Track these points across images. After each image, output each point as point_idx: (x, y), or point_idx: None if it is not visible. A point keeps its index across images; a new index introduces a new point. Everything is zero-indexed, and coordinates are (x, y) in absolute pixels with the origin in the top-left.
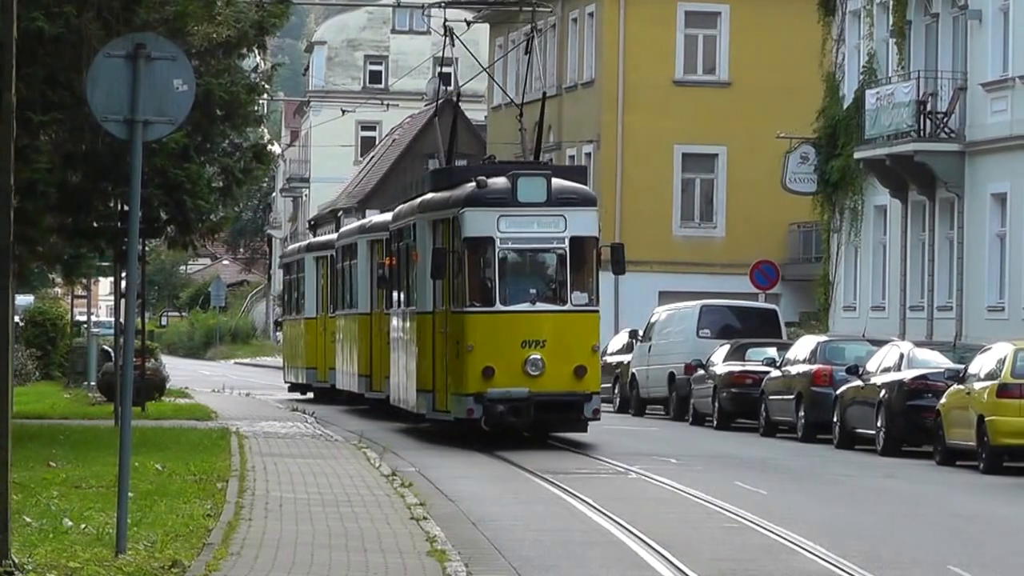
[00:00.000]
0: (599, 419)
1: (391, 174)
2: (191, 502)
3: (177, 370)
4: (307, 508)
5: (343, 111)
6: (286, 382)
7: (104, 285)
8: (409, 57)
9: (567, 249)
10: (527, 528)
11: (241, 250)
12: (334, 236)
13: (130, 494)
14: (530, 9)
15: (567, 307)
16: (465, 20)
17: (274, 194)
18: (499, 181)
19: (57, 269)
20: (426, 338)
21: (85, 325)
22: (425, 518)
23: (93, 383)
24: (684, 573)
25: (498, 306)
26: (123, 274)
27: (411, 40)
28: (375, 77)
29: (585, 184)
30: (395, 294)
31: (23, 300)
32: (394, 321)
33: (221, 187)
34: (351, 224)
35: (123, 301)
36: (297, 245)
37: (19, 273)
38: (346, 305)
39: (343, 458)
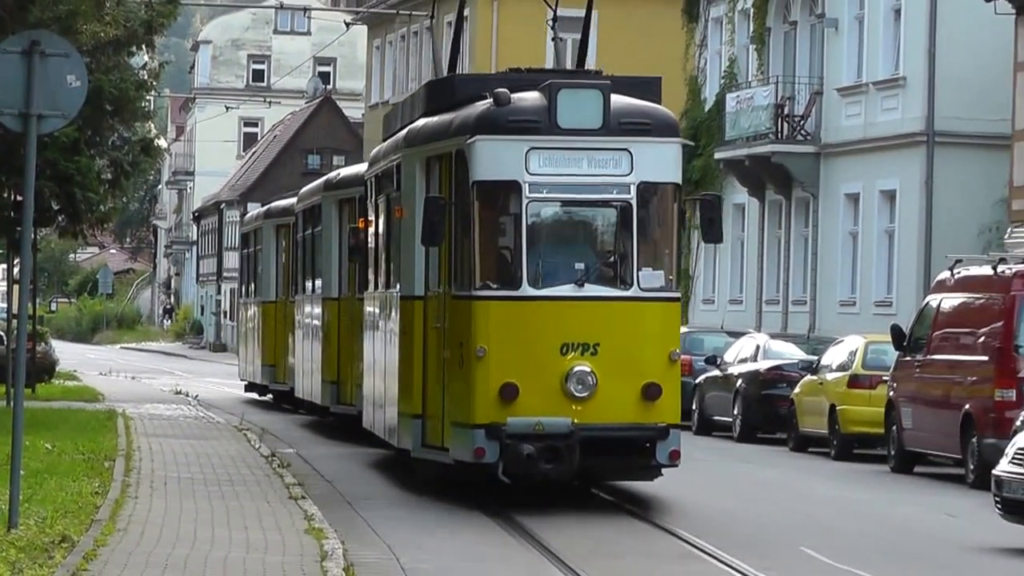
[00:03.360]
0: (678, 464)
1: (272, 168)
2: (80, 480)
3: (66, 354)
4: (190, 487)
5: (227, 108)
6: (241, 379)
7: None
8: (290, 57)
9: (634, 201)
10: (399, 507)
11: (128, 239)
12: (294, 200)
13: (21, 472)
14: (407, 13)
15: (633, 292)
16: (344, 22)
17: (160, 186)
18: (530, 96)
19: None
20: (413, 336)
21: None
22: (303, 497)
23: None
24: (547, 548)
25: (525, 289)
26: (15, 261)
27: (292, 40)
28: (258, 75)
29: (659, 103)
30: (371, 270)
31: None
32: (368, 309)
33: (110, 179)
34: (315, 182)
35: (15, 287)
36: (256, 211)
37: None
38: (308, 286)
39: (225, 439)
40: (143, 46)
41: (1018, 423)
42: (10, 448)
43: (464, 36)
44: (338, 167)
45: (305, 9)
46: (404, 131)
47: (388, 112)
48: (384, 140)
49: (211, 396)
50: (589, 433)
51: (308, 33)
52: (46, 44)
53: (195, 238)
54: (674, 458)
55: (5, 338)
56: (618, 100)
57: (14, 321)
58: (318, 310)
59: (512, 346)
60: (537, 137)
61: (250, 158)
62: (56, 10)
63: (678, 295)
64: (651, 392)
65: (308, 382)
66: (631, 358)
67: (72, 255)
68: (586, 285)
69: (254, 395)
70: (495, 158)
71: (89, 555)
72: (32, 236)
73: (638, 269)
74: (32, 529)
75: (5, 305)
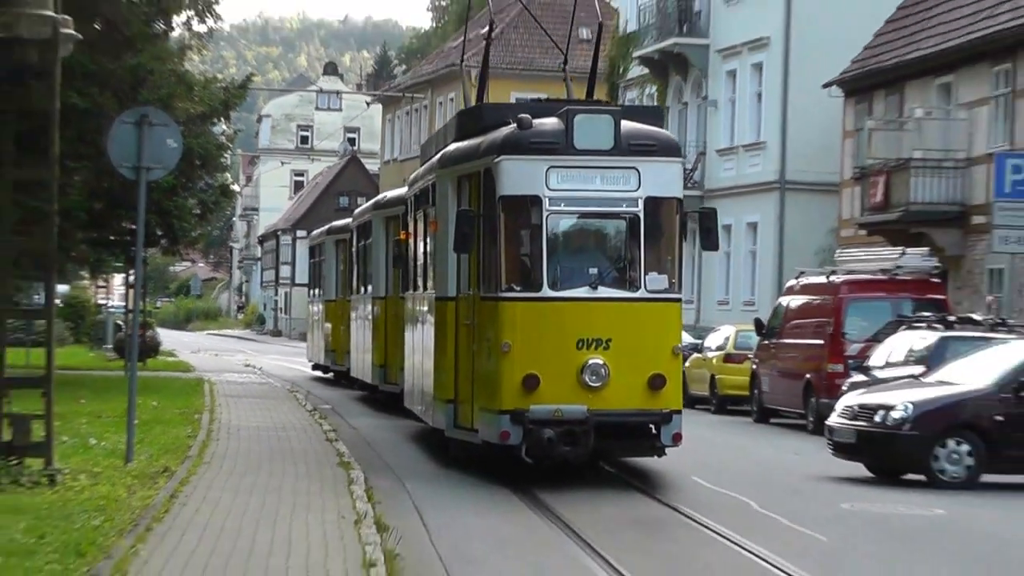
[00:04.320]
0: (679, 445)
1: (314, 206)
2: (177, 428)
3: (166, 338)
4: (256, 433)
5: (282, 163)
6: (309, 360)
7: (117, 279)
8: (327, 126)
9: (641, 214)
10: (408, 447)
11: (211, 256)
12: (350, 220)
13: (135, 422)
14: (411, 95)
15: (640, 294)
16: (366, 102)
17: (234, 218)
18: (549, 121)
19: (86, 268)
20: (446, 332)
21: (104, 306)
22: (336, 440)
23: (110, 346)
24: (526, 491)
25: (546, 291)
26: (131, 271)
27: (328, 115)
28: (304, 140)
29: (662, 127)
30: (411, 275)
31: (62, 289)
32: (408, 307)
33: (198, 214)
34: (366, 203)
35: (131, 290)
36: (321, 229)
37: (59, 271)
38: (360, 288)
39: (280, 399)
40: (221, 118)
41: (844, 388)
42: (127, 405)
43: (451, 114)
44: (360, 205)
45: (338, 92)
46: (438, 155)
47: (425, 142)
48: (421, 164)
49: (271, 368)
50: (602, 418)
51: (340, 110)
52: (152, 117)
53: (259, 256)
54: (676, 440)
55: (124, 327)
56: (627, 124)
57: (130, 314)
58: (369, 307)
59: (534, 341)
60: (556, 156)
61: (298, 199)
62: (159, 92)
63: (680, 296)
64: (656, 382)
65: (361, 364)
66: (639, 352)
67: (171, 267)
68: (599, 287)
69: (319, 373)
70: (518, 176)
71: (184, 480)
72: (143, 254)
73: (645, 274)
74: (143, 462)
75: (124, 303)
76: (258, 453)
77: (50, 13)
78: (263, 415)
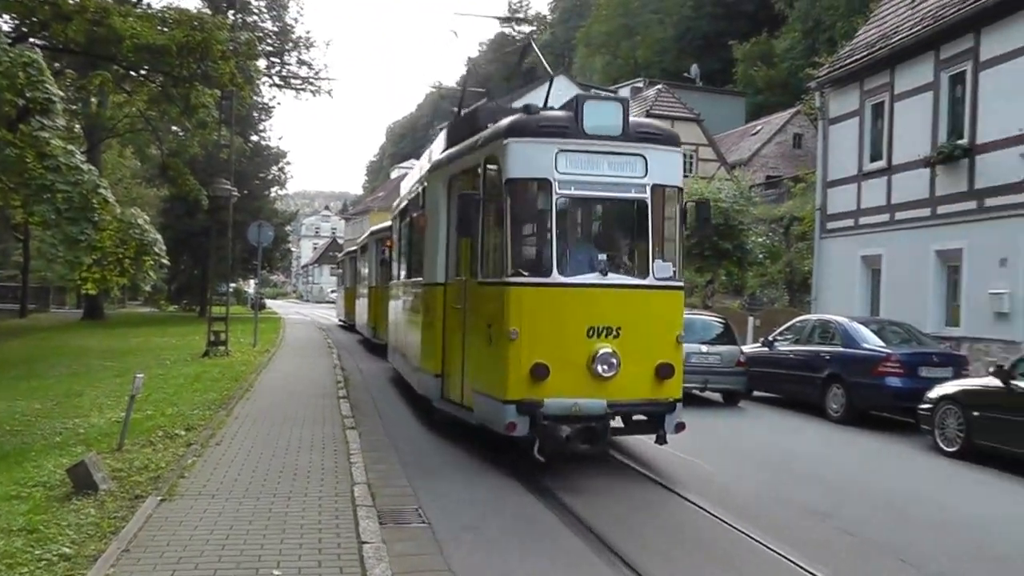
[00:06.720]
0: (681, 431)
1: (322, 256)
2: (271, 335)
3: (269, 303)
4: (302, 339)
5: (309, 240)
6: (337, 317)
7: (252, 281)
8: (325, 227)
9: (649, 200)
10: (385, 383)
11: (283, 272)
12: (355, 247)
13: (258, 332)
14: (354, 217)
15: (649, 281)
16: (341, 219)
17: (292, 259)
18: (557, 110)
19: (240, 276)
20: (436, 314)
21: (246, 291)
22: (343, 368)
23: (248, 305)
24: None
25: (555, 276)
26: (255, 279)
27: (326, 223)
28: (317, 232)
29: None
30: (393, 269)
31: (231, 285)
32: (391, 291)
33: (279, 258)
34: (365, 232)
35: (255, 284)
36: (343, 252)
37: (231, 278)
38: (362, 282)
39: (313, 328)
40: (289, 225)
41: None
42: (253, 326)
43: (368, 223)
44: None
45: (328, 216)
46: (428, 167)
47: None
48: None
49: (311, 315)
50: (616, 411)
51: (329, 221)
52: (263, 223)
53: (301, 272)
54: (679, 429)
55: (253, 298)
56: (635, 118)
57: (255, 293)
58: (365, 291)
59: (542, 329)
60: (566, 140)
61: (315, 252)
62: (266, 214)
63: (682, 283)
64: (663, 371)
65: (361, 322)
66: (647, 341)
67: (270, 276)
68: (609, 274)
69: (340, 324)
70: (527, 158)
71: (273, 354)
72: (259, 272)
73: (653, 261)
74: (259, 348)
75: (253, 290)
76: (300, 347)
77: (227, 185)
78: (308, 334)
